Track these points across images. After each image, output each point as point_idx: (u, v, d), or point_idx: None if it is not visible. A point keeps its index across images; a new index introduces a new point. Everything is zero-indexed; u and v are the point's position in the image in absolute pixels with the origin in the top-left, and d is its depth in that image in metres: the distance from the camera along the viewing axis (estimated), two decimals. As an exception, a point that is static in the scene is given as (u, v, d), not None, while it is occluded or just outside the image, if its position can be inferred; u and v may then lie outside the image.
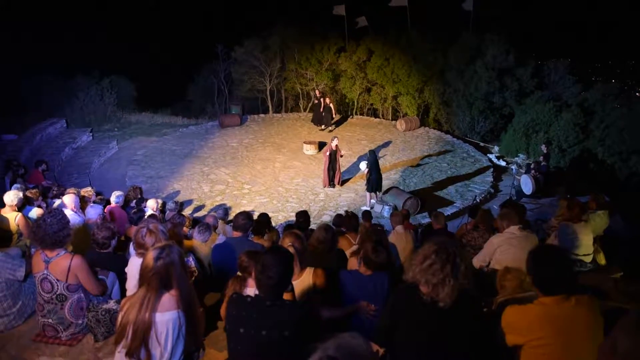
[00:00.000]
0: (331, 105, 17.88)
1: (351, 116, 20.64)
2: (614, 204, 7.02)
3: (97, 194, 8.19)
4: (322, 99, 17.88)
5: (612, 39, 29.52)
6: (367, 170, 11.26)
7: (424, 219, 10.34)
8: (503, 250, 4.23)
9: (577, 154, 13.90)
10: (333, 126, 18.26)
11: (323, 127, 17.88)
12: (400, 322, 2.44)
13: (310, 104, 20.53)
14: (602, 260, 5.27)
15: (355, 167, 12.78)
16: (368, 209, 11.05)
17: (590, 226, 5.14)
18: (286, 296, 2.75)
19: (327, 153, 12.22)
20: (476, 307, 2.48)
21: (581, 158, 13.85)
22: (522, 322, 2.30)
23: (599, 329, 2.23)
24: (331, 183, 12.53)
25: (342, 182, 12.82)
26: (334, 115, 18.21)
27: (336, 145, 12.17)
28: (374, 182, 11.28)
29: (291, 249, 3.19)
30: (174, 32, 26.35)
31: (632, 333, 1.50)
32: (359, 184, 12.70)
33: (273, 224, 8.40)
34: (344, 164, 12.76)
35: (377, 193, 11.60)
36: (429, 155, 15.08)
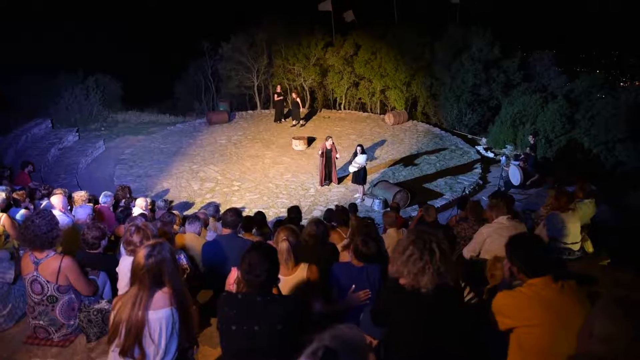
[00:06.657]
0: (298, 100, 17.89)
1: (333, 110, 20.72)
2: (600, 192, 7.12)
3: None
4: (284, 95, 17.98)
5: (596, 29, 29.77)
6: (366, 163, 11.26)
7: (414, 211, 10.40)
8: (492, 240, 4.28)
9: (563, 144, 14.04)
10: (303, 121, 18.19)
11: (295, 122, 17.86)
12: (390, 313, 2.46)
13: (271, 102, 20.27)
14: (589, 248, 5.35)
15: (348, 165, 12.72)
16: (359, 201, 11.12)
17: (577, 215, 5.20)
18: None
19: (320, 152, 12.05)
20: (458, 296, 2.55)
21: (568, 148, 13.99)
22: (513, 304, 2.34)
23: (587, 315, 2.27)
24: (326, 181, 12.38)
25: (339, 180, 12.57)
26: (301, 109, 18.23)
27: (331, 144, 11.95)
28: (364, 175, 11.32)
29: (285, 243, 3.18)
30: (159, 29, 26.03)
31: (606, 316, 1.53)
32: (349, 180, 12.72)
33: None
34: (338, 162, 12.57)
35: (365, 185, 11.62)
36: (426, 153, 15.09)
